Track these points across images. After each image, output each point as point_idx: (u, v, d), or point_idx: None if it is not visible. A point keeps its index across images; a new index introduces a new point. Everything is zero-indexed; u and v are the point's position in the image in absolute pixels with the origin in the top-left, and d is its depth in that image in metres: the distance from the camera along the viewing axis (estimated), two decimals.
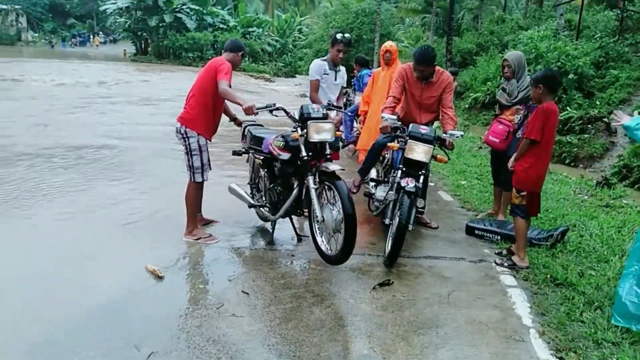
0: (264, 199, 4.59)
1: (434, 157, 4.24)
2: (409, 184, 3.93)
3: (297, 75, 31.48)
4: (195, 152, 4.22)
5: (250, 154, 4.63)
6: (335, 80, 5.37)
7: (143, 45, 37.19)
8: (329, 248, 3.84)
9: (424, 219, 5.06)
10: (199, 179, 4.28)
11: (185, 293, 3.46)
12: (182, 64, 31.57)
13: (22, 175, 6.10)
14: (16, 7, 48.14)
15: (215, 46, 32.14)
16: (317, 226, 3.88)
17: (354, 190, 5.06)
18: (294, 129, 3.91)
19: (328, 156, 3.89)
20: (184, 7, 33.63)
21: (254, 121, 4.67)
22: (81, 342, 2.76)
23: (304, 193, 3.92)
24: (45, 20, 55.52)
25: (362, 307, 3.34)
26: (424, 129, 4.20)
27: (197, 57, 32.41)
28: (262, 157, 4.32)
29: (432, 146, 4.15)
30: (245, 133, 4.70)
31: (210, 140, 4.37)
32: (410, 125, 4.30)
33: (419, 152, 4.10)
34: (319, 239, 3.89)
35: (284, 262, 4.06)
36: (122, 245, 4.22)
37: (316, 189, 3.80)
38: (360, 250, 4.33)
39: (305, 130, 3.82)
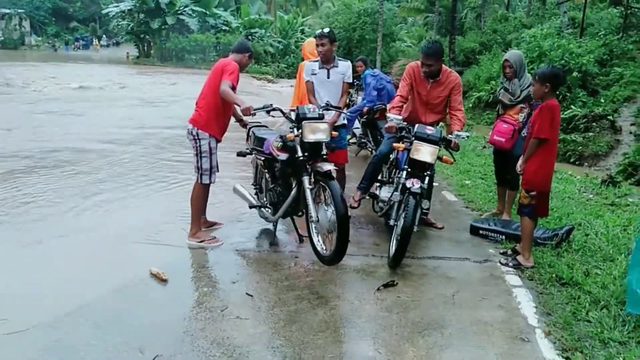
0: (265, 199, 4.60)
1: (439, 158, 4.22)
2: (414, 185, 3.92)
3: None
4: (206, 154, 4.23)
5: (254, 155, 4.64)
6: (328, 77, 5.01)
7: (146, 47, 37.26)
8: (324, 248, 3.85)
9: (429, 220, 5.03)
10: (206, 180, 4.29)
11: (189, 296, 3.46)
12: (184, 66, 31.59)
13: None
14: (19, 11, 48.22)
15: (218, 48, 32.17)
16: (313, 226, 3.89)
17: (355, 205, 4.83)
18: (291, 129, 3.94)
19: (324, 156, 3.91)
20: (186, 9, 33.66)
21: (259, 122, 4.66)
22: (86, 346, 2.76)
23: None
24: (48, 24, 55.66)
25: (367, 309, 3.33)
26: (429, 130, 4.19)
27: (200, 59, 32.49)
28: (263, 158, 4.33)
29: (437, 147, 4.14)
30: (250, 134, 4.70)
31: (220, 141, 4.38)
32: (416, 125, 4.28)
33: (424, 152, 4.09)
34: (315, 238, 3.91)
35: (287, 264, 4.05)
36: (125, 248, 4.22)
37: (311, 189, 3.83)
38: (364, 251, 4.32)
39: (300, 131, 3.84)
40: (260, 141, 4.38)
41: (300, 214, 4.22)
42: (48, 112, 11.84)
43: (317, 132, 3.85)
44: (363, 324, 3.13)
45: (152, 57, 35.65)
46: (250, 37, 32.83)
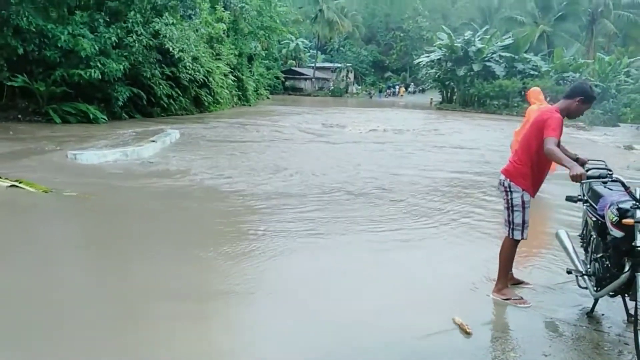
0: (587, 266, 3.90)
1: None
2: None
3: (620, 124, 27.32)
4: (518, 207, 3.93)
5: (585, 207, 3.98)
6: None
7: (449, 93, 38.91)
8: None
9: None
10: (518, 236, 3.97)
11: (494, 358, 3.20)
12: (486, 112, 31.57)
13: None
14: (347, 64, 57.86)
15: (523, 93, 31.04)
16: None
17: None
18: (630, 209, 3.16)
19: None
20: (494, 55, 33.80)
21: (602, 165, 3.91)
22: None
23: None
24: (367, 75, 64.18)
25: None
26: None
27: (502, 104, 31.96)
28: (595, 218, 3.68)
29: None
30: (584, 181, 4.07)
31: (532, 197, 4.04)
32: None
33: None
34: None
35: (613, 349, 3.35)
36: (432, 290, 4.25)
37: None
38: None
39: None
40: (595, 196, 3.70)
41: (629, 296, 3.39)
42: (369, 151, 13.21)
43: None
44: None
45: (454, 103, 36.94)
46: (561, 81, 30.58)
